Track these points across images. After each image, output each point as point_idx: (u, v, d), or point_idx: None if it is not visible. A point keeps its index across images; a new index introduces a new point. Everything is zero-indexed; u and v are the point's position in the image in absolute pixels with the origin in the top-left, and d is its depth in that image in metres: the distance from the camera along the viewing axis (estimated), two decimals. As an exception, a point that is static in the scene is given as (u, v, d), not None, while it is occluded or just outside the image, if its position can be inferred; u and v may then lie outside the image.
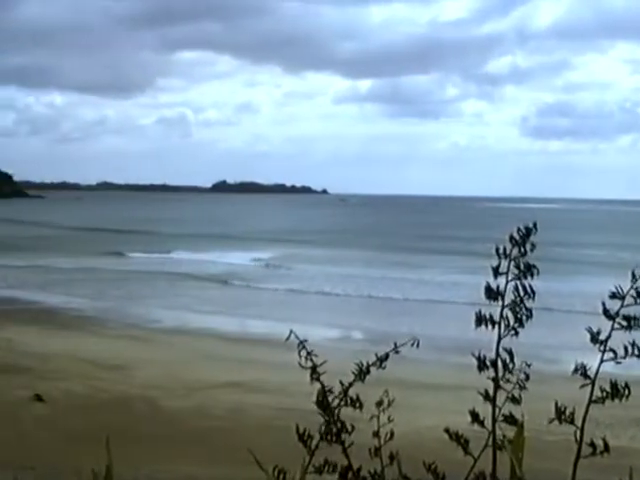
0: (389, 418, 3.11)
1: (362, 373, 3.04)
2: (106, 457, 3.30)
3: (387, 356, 3.07)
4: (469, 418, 3.07)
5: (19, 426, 21.34)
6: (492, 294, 3.00)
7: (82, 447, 18.95)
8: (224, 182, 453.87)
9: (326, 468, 2.99)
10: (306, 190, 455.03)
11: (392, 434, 3.10)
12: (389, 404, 3.11)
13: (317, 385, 3.06)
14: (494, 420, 3.04)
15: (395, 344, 3.08)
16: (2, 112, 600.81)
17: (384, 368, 3.06)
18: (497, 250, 2.98)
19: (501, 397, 3.04)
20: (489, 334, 3.07)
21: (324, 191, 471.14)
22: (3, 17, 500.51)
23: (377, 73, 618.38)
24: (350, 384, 3.02)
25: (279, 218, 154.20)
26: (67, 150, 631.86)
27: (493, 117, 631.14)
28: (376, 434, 3.11)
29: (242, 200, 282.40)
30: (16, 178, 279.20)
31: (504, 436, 3.00)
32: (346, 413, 3.07)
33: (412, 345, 3.07)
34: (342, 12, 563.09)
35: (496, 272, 2.99)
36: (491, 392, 3.03)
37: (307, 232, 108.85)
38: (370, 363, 3.06)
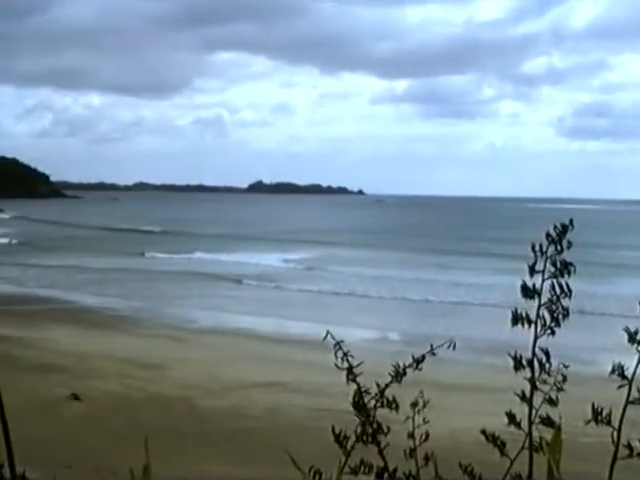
0: (424, 419, 3.11)
1: (398, 374, 3.03)
2: (143, 456, 3.31)
3: (423, 358, 3.06)
4: (505, 419, 3.05)
5: (56, 425, 21.47)
6: (528, 292, 2.99)
7: (118, 446, 19.04)
8: (260, 182, 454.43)
9: (362, 469, 2.99)
10: (342, 191, 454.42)
11: (427, 435, 3.10)
12: (424, 405, 3.11)
13: (353, 386, 3.05)
14: (530, 422, 3.03)
15: (431, 345, 3.07)
16: (40, 113, 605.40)
17: (420, 369, 3.05)
18: (533, 248, 2.96)
19: (537, 398, 3.02)
20: (524, 336, 3.06)
21: (360, 192, 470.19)
22: (41, 19, 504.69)
23: (413, 73, 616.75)
24: (386, 385, 3.02)
25: (314, 218, 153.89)
26: (104, 151, 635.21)
27: (529, 117, 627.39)
28: (411, 435, 3.10)
29: (278, 200, 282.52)
30: (53, 178, 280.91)
31: (541, 438, 2.98)
32: (381, 414, 3.07)
33: (448, 347, 3.06)
34: (378, 12, 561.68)
35: (532, 270, 2.97)
36: (527, 393, 3.02)
37: (342, 233, 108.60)
38: (406, 364, 3.06)
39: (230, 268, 64.23)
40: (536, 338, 2.98)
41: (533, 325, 2.99)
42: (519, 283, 2.99)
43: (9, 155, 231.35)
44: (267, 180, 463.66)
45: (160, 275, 59.33)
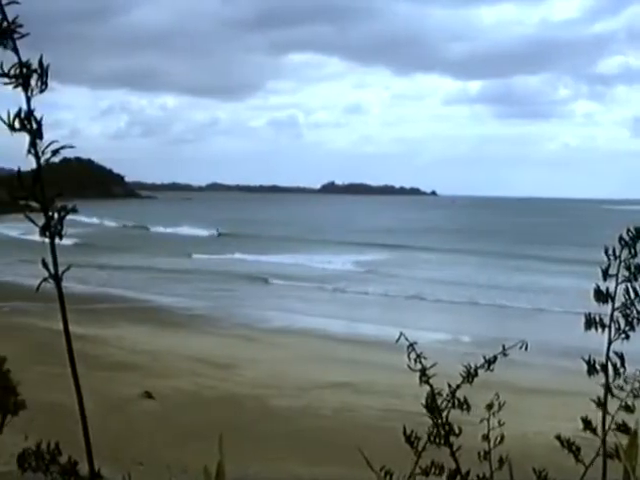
0: (499, 422, 3.08)
1: (470, 375, 3.01)
2: (214, 454, 3.32)
3: (495, 358, 3.04)
4: (579, 425, 3.02)
5: (129, 422, 21.72)
6: (602, 296, 2.95)
7: (190, 444, 19.21)
8: (333, 183, 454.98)
9: (433, 470, 2.97)
10: (415, 192, 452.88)
11: (502, 438, 3.07)
12: (500, 407, 3.08)
13: (424, 387, 3.04)
14: (605, 428, 2.98)
15: (503, 347, 3.04)
16: (115, 115, 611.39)
17: (492, 370, 3.03)
18: (606, 251, 2.92)
19: (612, 403, 2.98)
20: (596, 342, 3.02)
21: (433, 192, 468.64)
22: (117, 22, 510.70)
23: (487, 74, 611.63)
24: (457, 386, 3.00)
25: (385, 219, 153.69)
26: (178, 152, 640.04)
27: (604, 118, 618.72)
28: (486, 437, 3.08)
29: (350, 201, 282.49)
30: (128, 179, 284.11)
31: (616, 444, 2.94)
32: (452, 415, 3.05)
33: (520, 347, 3.03)
34: (451, 13, 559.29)
35: (605, 274, 2.93)
36: (601, 398, 2.98)
37: (414, 234, 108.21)
38: (478, 366, 3.03)
39: (303, 270, 64.36)
40: (610, 342, 2.95)
41: (607, 329, 2.95)
42: (592, 287, 2.96)
43: (84, 156, 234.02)
44: (340, 181, 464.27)
45: (231, 276, 59.56)
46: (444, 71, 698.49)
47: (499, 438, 3.08)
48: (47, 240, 1.92)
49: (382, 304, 47.81)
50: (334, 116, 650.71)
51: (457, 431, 3.00)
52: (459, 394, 3.03)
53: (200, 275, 59.78)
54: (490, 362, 3.05)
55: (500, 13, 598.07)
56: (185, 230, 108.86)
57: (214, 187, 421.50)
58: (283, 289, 53.51)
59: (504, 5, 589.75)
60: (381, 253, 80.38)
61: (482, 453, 3.06)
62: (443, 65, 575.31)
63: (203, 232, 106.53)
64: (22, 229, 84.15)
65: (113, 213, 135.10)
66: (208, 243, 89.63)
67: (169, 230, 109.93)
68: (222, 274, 60.67)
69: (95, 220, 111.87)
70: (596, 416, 3.02)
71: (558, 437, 3.07)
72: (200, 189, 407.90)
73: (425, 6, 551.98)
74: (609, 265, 2.92)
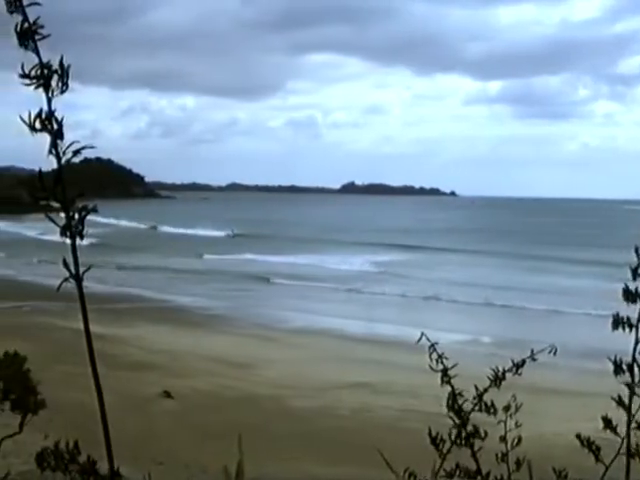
0: (517, 423, 3.07)
1: (497, 379, 3.01)
2: (232, 454, 3.33)
3: (524, 362, 3.03)
4: (600, 425, 3.00)
5: (149, 422, 21.78)
6: (630, 296, 2.94)
7: (209, 444, 19.24)
8: (352, 183, 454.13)
9: (457, 472, 2.96)
10: (434, 192, 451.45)
11: (520, 440, 3.05)
12: (517, 409, 3.07)
13: (441, 387, 3.03)
14: (629, 426, 2.97)
15: (532, 351, 3.03)
16: (135, 115, 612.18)
17: (520, 374, 3.02)
18: (637, 250, 2.90)
19: (635, 404, 2.97)
20: (614, 342, 3.01)
21: (452, 193, 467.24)
22: (136, 23, 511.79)
23: (507, 74, 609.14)
24: (485, 389, 2.99)
25: (405, 220, 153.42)
26: (198, 152, 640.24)
27: (624, 118, 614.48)
28: (503, 439, 3.07)
29: (370, 201, 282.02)
30: (148, 179, 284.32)
31: (637, 444, 2.93)
32: (471, 416, 3.04)
33: (549, 352, 3.02)
34: (471, 13, 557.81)
35: (635, 273, 2.92)
36: (624, 399, 2.96)
37: (433, 234, 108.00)
38: (505, 369, 3.02)
39: (321, 271, 64.31)
40: (637, 343, 2.93)
41: (634, 329, 2.94)
42: (611, 287, 2.95)
43: (104, 156, 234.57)
44: (359, 181, 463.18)
45: (247, 277, 59.49)
46: (464, 71, 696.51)
47: (517, 439, 3.07)
48: (68, 240, 1.92)
49: (399, 304, 47.74)
50: (354, 116, 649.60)
51: (479, 432, 2.99)
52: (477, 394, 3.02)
53: (213, 276, 59.74)
54: (518, 366, 3.04)
55: (520, 13, 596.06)
56: (200, 231, 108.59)
57: (233, 187, 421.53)
58: (301, 289, 53.47)
59: (524, 5, 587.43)
60: (399, 254, 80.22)
61: (500, 454, 3.05)
62: (463, 65, 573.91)
63: (218, 233, 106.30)
64: (41, 229, 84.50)
65: (131, 213, 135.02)
66: (221, 244, 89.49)
67: (184, 231, 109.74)
68: (233, 274, 60.57)
69: (112, 220, 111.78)
70: (615, 416, 3.01)
71: (578, 436, 3.06)
72: (219, 189, 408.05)
73: (444, 6, 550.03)
74: (638, 265, 2.92)
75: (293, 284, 56.02)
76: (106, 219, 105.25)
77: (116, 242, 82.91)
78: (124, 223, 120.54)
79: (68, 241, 1.93)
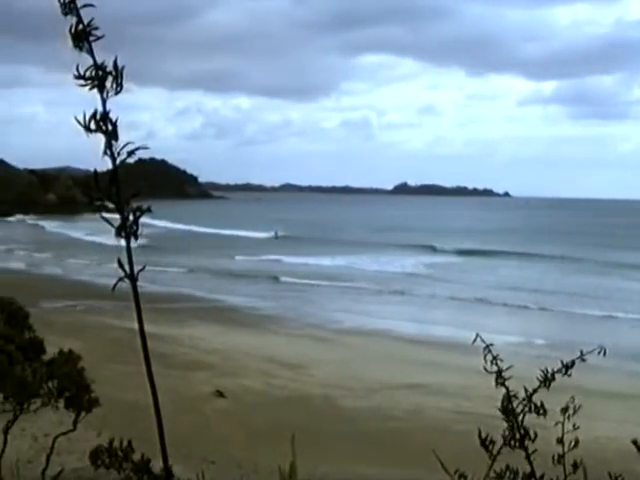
0: (574, 426, 3.03)
1: (547, 380, 2.98)
2: (284, 454, 3.33)
3: (573, 363, 3.00)
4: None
5: (201, 421, 21.90)
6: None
7: (261, 443, 19.32)
8: (405, 184, 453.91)
9: (507, 474, 2.94)
10: (487, 193, 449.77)
11: (577, 442, 3.02)
12: (575, 411, 3.04)
13: (494, 389, 3.01)
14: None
15: (581, 352, 3.00)
16: (190, 116, 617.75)
17: (569, 375, 2.99)
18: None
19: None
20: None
21: (506, 194, 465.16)
22: (191, 25, 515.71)
23: (561, 74, 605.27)
24: (534, 390, 2.97)
25: (457, 221, 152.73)
26: (252, 152, 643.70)
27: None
28: (560, 441, 3.03)
29: (422, 202, 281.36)
30: (201, 180, 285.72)
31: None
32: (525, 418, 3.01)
33: (599, 353, 2.99)
34: (525, 13, 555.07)
35: None
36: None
37: (485, 236, 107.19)
38: (555, 370, 3.00)
39: (369, 274, 64.21)
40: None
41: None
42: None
43: (158, 157, 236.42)
44: (412, 182, 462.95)
45: (263, 277, 59.24)
46: (518, 71, 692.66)
47: (573, 442, 3.03)
48: (123, 241, 1.93)
49: (449, 306, 47.43)
50: (407, 117, 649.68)
51: (532, 435, 2.97)
52: (534, 397, 2.99)
53: (264, 276, 59.53)
54: (568, 367, 3.01)
55: (574, 13, 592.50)
56: (244, 232, 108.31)
57: (287, 188, 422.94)
58: (350, 292, 53.37)
59: (579, 5, 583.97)
60: (450, 256, 79.79)
61: (555, 457, 3.02)
62: (517, 65, 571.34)
63: (262, 234, 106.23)
64: (92, 229, 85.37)
65: (181, 215, 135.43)
66: (260, 245, 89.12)
67: (229, 232, 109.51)
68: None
69: (154, 221, 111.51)
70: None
71: (634, 442, 3.02)
72: (273, 190, 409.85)
73: (498, 6, 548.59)
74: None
75: (344, 287, 55.83)
76: (154, 220, 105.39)
77: (163, 244, 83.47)
78: (170, 225, 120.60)
79: (123, 242, 1.94)
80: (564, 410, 3.06)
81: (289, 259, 72.55)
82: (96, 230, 79.31)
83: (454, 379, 26.16)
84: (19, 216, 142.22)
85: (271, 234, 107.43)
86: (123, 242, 1.94)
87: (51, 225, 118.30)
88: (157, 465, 2.74)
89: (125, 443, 2.87)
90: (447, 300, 49.99)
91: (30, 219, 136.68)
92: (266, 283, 56.20)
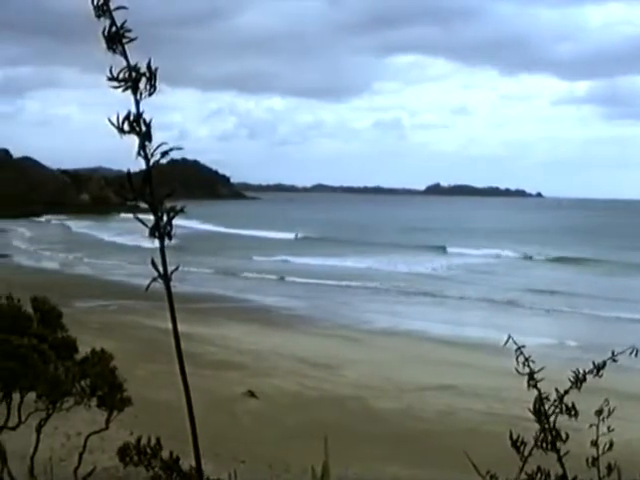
0: (609, 428, 3.02)
1: (578, 380, 2.97)
2: (316, 454, 3.33)
3: (604, 364, 2.99)
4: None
5: (233, 420, 21.96)
6: None
7: (292, 443, 19.34)
8: (437, 185, 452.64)
9: (539, 476, 2.93)
10: (520, 193, 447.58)
11: (611, 444, 3.00)
12: (609, 413, 3.02)
13: (526, 391, 3.00)
14: None
15: (613, 352, 2.99)
16: (224, 116, 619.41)
17: (601, 376, 2.97)
18: None
19: None
20: None
21: (538, 194, 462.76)
22: (224, 26, 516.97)
23: (594, 74, 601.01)
24: (566, 391, 2.95)
25: (490, 221, 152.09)
26: (284, 153, 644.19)
27: None
28: (594, 443, 3.02)
29: (455, 203, 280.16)
30: (234, 180, 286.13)
31: None
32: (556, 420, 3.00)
33: (631, 354, 2.97)
34: (558, 13, 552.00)
35: None
36: None
37: (516, 236, 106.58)
38: (586, 371, 2.98)
39: (401, 276, 64.15)
40: None
41: None
42: None
43: (191, 157, 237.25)
44: (444, 182, 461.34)
45: (336, 280, 59.24)
46: (551, 72, 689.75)
47: (608, 445, 3.01)
48: (157, 241, 1.93)
49: (480, 308, 47.18)
50: (440, 117, 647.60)
51: (564, 437, 2.96)
52: (565, 399, 2.98)
53: (299, 277, 59.53)
54: (599, 368, 3.00)
55: (608, 13, 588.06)
56: (269, 233, 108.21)
57: (319, 188, 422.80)
58: (381, 293, 53.34)
59: (612, 4, 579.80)
60: (481, 257, 79.35)
61: (590, 459, 3.00)
62: (549, 65, 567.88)
63: (286, 235, 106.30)
64: (127, 230, 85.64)
65: (210, 215, 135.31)
66: (281, 247, 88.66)
67: (254, 233, 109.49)
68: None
69: (183, 222, 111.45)
70: None
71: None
72: (305, 190, 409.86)
73: (531, 6, 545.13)
74: None
75: (374, 288, 55.77)
76: (184, 221, 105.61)
77: (192, 245, 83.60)
78: (199, 226, 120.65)
79: (157, 242, 1.95)
80: (598, 412, 3.04)
81: (299, 260, 72.86)
82: (133, 230, 79.80)
83: (485, 380, 26.10)
84: (47, 216, 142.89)
85: (294, 235, 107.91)
86: (157, 242, 1.95)
87: (78, 226, 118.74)
88: (186, 463, 2.75)
89: (153, 441, 2.89)
90: (477, 302, 49.79)
91: (56, 219, 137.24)
92: (273, 283, 56.70)
